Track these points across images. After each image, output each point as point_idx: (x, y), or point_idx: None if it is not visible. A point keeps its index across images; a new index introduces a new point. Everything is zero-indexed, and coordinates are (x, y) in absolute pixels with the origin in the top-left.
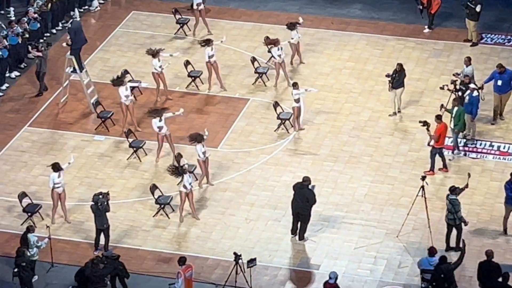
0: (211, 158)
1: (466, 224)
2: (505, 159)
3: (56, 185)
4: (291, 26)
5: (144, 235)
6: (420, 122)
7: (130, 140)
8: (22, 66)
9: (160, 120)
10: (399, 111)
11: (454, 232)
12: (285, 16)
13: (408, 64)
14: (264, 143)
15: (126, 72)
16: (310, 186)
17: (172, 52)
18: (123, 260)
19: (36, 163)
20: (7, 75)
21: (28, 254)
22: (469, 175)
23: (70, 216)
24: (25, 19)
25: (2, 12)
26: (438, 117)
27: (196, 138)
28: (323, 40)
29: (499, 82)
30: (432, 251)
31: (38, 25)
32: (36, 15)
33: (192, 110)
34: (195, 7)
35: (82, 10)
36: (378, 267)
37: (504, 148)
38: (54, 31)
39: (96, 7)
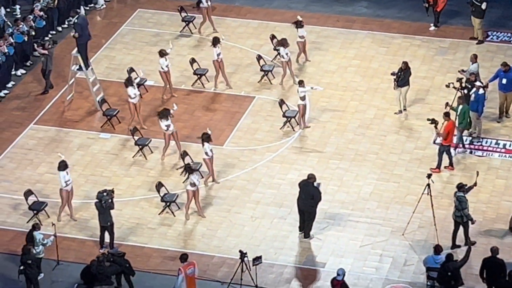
0: (216, 156)
1: (473, 222)
2: (510, 157)
3: (68, 182)
4: (298, 24)
5: (150, 232)
6: (428, 120)
7: (136, 138)
8: (28, 64)
9: (168, 119)
10: (404, 109)
11: (461, 229)
12: (291, 14)
13: (414, 62)
14: (269, 141)
15: (131, 70)
16: (315, 184)
17: (171, 47)
18: (129, 257)
19: (42, 161)
20: (13, 72)
21: (34, 251)
22: (477, 173)
23: (76, 214)
24: (31, 17)
25: (8, 9)
26: (447, 115)
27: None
28: (329, 38)
29: (504, 81)
30: (437, 249)
31: (44, 23)
32: (41, 13)
33: (198, 108)
34: (202, 5)
35: (88, 7)
36: (384, 265)
37: (509, 146)
38: (60, 28)
39: (102, 5)
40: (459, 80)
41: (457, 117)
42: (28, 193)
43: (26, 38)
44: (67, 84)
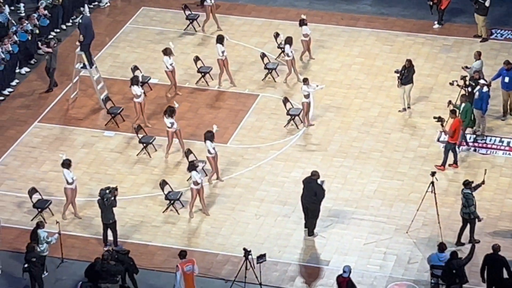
0: (220, 154)
1: (479, 220)
2: None
3: (74, 178)
4: (302, 22)
5: (154, 230)
6: (434, 118)
7: (140, 135)
8: (32, 62)
9: (173, 116)
10: (408, 107)
11: (468, 227)
12: (295, 12)
13: (418, 60)
14: (273, 139)
15: (136, 68)
16: (319, 181)
17: (172, 47)
18: (133, 255)
19: (46, 158)
20: (17, 71)
21: (38, 249)
22: (485, 171)
23: (80, 212)
24: (35, 15)
25: (13, 8)
26: (453, 112)
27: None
28: (333, 36)
29: (507, 79)
30: (442, 247)
31: (48, 21)
32: (46, 12)
33: (202, 106)
34: (206, 3)
35: (92, 6)
36: (388, 263)
37: None
38: (64, 27)
39: (106, 3)
40: (463, 78)
41: (460, 115)
42: (32, 191)
43: (30, 37)
44: (71, 82)
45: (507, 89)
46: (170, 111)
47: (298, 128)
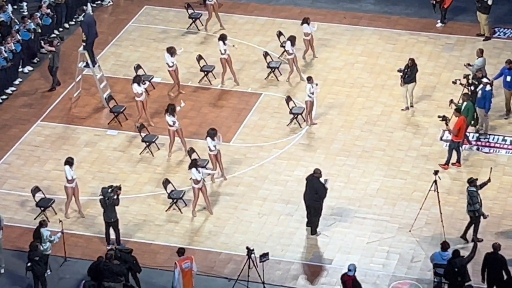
0: (223, 153)
1: (485, 217)
2: None
3: (73, 176)
4: (304, 21)
5: (157, 229)
6: (439, 117)
7: (143, 134)
8: (35, 61)
9: (174, 115)
10: (411, 106)
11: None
12: (298, 11)
13: (421, 58)
14: (276, 137)
15: (138, 67)
16: (323, 180)
17: (181, 50)
18: (136, 254)
19: (49, 157)
20: (20, 69)
21: (41, 248)
22: (491, 169)
23: (83, 211)
24: (38, 14)
25: (15, 7)
26: (458, 111)
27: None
28: (336, 35)
29: (508, 78)
30: (445, 245)
31: (50, 20)
32: (48, 10)
33: (205, 104)
34: (208, 1)
35: (95, 4)
36: (391, 262)
37: None
38: (67, 25)
39: (109, 2)
40: (466, 76)
41: (461, 114)
42: (35, 190)
43: (33, 36)
44: (74, 81)
45: (509, 88)
46: (171, 109)
47: (301, 126)
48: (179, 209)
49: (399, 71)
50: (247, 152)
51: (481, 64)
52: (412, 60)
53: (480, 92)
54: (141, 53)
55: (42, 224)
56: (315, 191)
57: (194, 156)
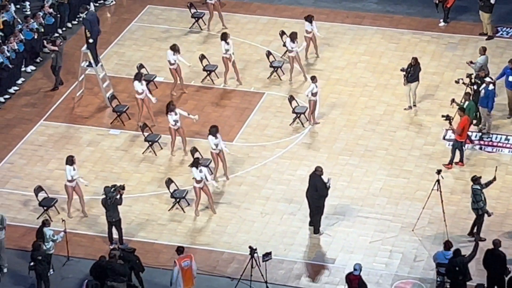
0: (226, 152)
1: (489, 215)
2: None
3: (74, 177)
4: (307, 18)
5: (160, 228)
6: (442, 116)
7: (146, 134)
8: (37, 60)
9: (176, 114)
10: (414, 105)
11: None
12: (300, 10)
13: (424, 58)
14: (279, 137)
15: (141, 66)
16: (325, 179)
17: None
18: (139, 253)
19: (52, 157)
20: (23, 69)
21: (44, 248)
22: (496, 168)
23: (86, 210)
24: (41, 13)
25: (18, 6)
26: (462, 110)
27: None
28: (338, 34)
29: (511, 78)
30: (447, 245)
31: (53, 20)
32: (51, 10)
33: (208, 104)
34: (209, 0)
35: (97, 4)
36: (394, 261)
37: None
38: (69, 25)
39: (112, 1)
40: (469, 76)
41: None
42: (38, 189)
43: (36, 36)
44: (77, 81)
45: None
46: (171, 108)
47: (303, 126)
48: (182, 209)
49: (402, 70)
50: (250, 151)
51: (483, 62)
52: (415, 59)
53: (483, 91)
54: (144, 52)
55: (45, 223)
56: (315, 189)
57: (196, 155)
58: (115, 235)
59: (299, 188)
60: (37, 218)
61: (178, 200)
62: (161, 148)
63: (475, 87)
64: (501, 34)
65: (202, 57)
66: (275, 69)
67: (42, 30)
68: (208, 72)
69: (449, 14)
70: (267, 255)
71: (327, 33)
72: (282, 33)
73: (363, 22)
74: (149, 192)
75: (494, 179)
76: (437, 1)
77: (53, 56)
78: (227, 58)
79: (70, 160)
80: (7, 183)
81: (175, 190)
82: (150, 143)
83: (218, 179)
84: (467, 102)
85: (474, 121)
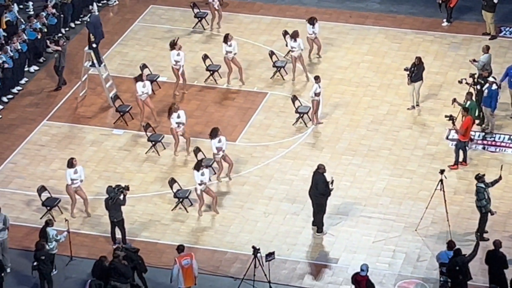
0: (229, 152)
1: (492, 213)
2: None
3: (74, 181)
4: (309, 20)
5: (163, 228)
6: (446, 116)
7: (149, 134)
8: (41, 60)
9: (179, 117)
10: (417, 105)
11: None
12: (304, 10)
13: (427, 57)
14: (282, 137)
15: (144, 66)
16: (328, 178)
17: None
18: (142, 253)
19: (55, 157)
20: (26, 69)
21: (47, 247)
22: (501, 167)
23: (89, 210)
24: (44, 13)
25: (21, 6)
26: (465, 110)
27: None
28: (341, 34)
29: None
30: (451, 244)
31: (56, 20)
32: (54, 10)
33: (211, 104)
34: (210, 0)
35: (100, 4)
36: (397, 261)
37: None
38: (73, 25)
39: (115, 1)
40: (472, 75)
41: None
42: (41, 189)
43: (38, 35)
44: (80, 81)
45: None
46: (174, 109)
47: (306, 126)
48: (185, 208)
49: (406, 69)
50: (253, 151)
51: (486, 61)
52: (419, 58)
53: (486, 91)
54: (147, 52)
55: (48, 223)
56: (316, 186)
57: (200, 155)
58: (118, 235)
59: (302, 188)
60: (40, 218)
61: (181, 200)
62: (164, 148)
63: (478, 87)
64: (504, 33)
65: (205, 57)
66: (278, 69)
67: (45, 30)
68: (211, 72)
69: (452, 14)
70: (270, 255)
71: (330, 33)
72: (285, 33)
73: (366, 22)
74: (152, 192)
75: (500, 178)
76: (440, 1)
77: (56, 56)
78: (229, 59)
79: (70, 163)
80: (10, 183)
81: (178, 190)
82: (153, 143)
83: (221, 179)
84: (468, 102)
85: (477, 121)
